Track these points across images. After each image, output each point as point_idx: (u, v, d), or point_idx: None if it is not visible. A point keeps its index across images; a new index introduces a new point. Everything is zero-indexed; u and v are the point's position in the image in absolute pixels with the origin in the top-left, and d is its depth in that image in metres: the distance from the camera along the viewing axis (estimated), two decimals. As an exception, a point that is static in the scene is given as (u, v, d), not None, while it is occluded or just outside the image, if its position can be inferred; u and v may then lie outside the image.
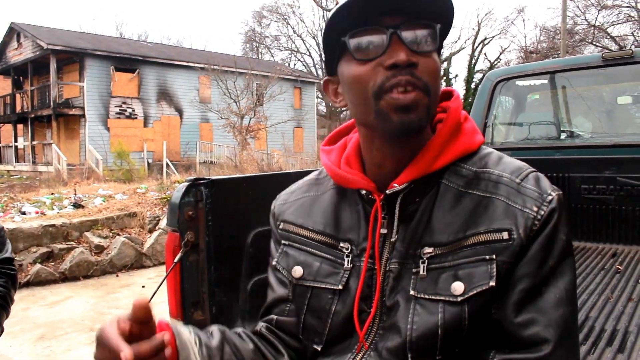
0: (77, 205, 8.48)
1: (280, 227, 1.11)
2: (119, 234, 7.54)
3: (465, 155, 0.96)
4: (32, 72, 24.16)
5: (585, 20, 26.47)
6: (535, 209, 0.87)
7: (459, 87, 33.03)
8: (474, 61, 34.24)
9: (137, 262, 7.48)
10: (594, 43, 25.92)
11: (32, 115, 23.94)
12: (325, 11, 27.89)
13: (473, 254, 0.88)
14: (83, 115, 22.75)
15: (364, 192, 0.97)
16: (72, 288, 6.48)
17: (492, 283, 0.86)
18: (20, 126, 26.31)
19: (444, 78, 33.18)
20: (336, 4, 0.90)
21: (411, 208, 0.94)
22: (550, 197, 0.89)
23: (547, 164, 3.47)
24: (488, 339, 0.88)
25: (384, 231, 0.96)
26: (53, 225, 7.04)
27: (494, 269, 0.86)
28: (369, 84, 0.88)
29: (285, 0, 33.38)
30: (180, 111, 26.03)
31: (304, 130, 30.20)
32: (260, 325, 1.10)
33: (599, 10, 25.67)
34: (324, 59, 0.98)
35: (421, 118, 0.88)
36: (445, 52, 34.08)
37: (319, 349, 0.99)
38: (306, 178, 1.16)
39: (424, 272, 0.90)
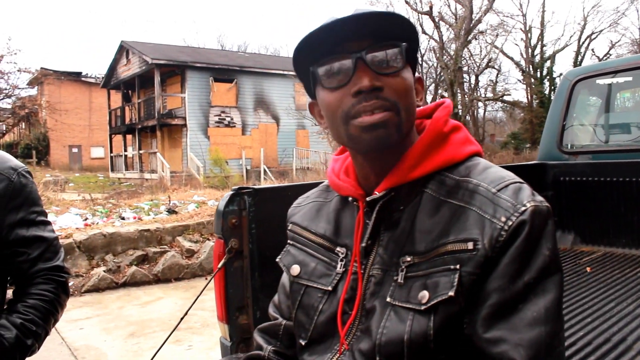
0: (170, 211, 8.95)
1: (289, 227, 1.20)
2: (208, 239, 7.83)
3: (451, 165, 0.96)
4: (139, 86, 25.87)
5: None
6: (503, 219, 0.85)
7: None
8: (580, 58, 32.33)
9: (225, 265, 7.75)
10: None
11: (139, 126, 25.58)
12: (420, 14, 27.57)
13: (442, 264, 0.88)
14: (185, 125, 24.00)
15: (350, 198, 1.04)
16: (164, 289, 6.84)
17: (451, 293, 0.84)
18: (129, 136, 28.21)
19: (547, 78, 31.59)
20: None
21: (396, 216, 0.97)
22: (523, 208, 0.85)
23: (632, 167, 3.22)
24: (460, 355, 0.86)
25: (366, 237, 0.99)
26: (148, 230, 7.46)
27: (456, 279, 0.85)
28: (338, 111, 0.92)
29: (379, 6, 33.26)
30: (276, 119, 26.75)
31: (398, 135, 29.94)
32: (268, 350, 1.17)
33: None
34: (303, 83, 1.03)
35: (391, 134, 0.90)
36: (549, 50, 32.45)
37: (303, 343, 1.05)
38: (321, 185, 1.24)
39: (402, 280, 0.92)
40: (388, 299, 0.92)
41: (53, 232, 1.57)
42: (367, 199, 0.97)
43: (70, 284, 1.61)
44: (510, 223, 0.84)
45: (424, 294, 0.87)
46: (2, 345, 1.34)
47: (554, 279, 0.84)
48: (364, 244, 0.98)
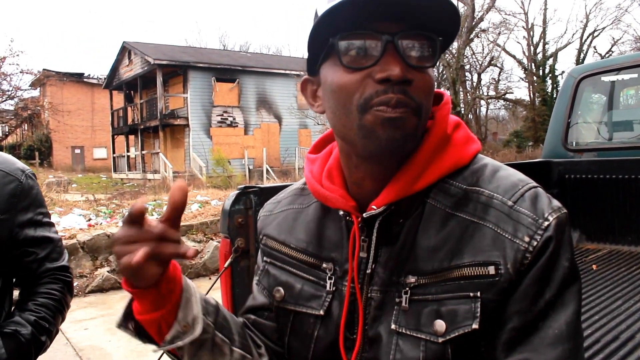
0: (174, 211, 8.94)
1: (263, 241, 1.05)
2: (212, 239, 7.83)
3: (455, 170, 0.85)
4: (141, 86, 25.88)
5: None
6: (527, 239, 0.76)
7: (565, 84, 31.01)
8: (582, 56, 32.25)
9: (229, 265, 7.74)
10: None
11: (142, 127, 25.60)
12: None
13: (457, 289, 0.79)
14: (187, 125, 24.01)
15: (341, 212, 0.90)
16: (168, 289, 6.84)
17: (475, 326, 0.76)
18: (131, 137, 28.23)
19: (550, 75, 31.54)
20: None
21: (395, 230, 0.86)
22: (546, 223, 0.77)
23: (638, 165, 3.21)
24: None
25: (363, 255, 0.87)
26: (152, 230, 7.45)
27: (478, 309, 0.77)
28: (354, 96, 0.79)
29: None
30: (279, 118, 26.74)
31: (400, 134, 30.03)
32: (240, 320, 1.05)
33: None
34: (307, 56, 0.89)
35: (407, 137, 0.79)
36: (551, 48, 32.39)
37: None
38: (292, 187, 1.09)
39: (406, 303, 0.82)
40: (393, 326, 0.82)
41: (57, 233, 1.60)
42: (364, 215, 0.85)
43: (74, 285, 1.63)
44: (535, 243, 0.76)
45: (441, 324, 0.78)
46: (19, 341, 1.37)
47: (573, 290, 0.78)
48: (369, 271, 0.86)
